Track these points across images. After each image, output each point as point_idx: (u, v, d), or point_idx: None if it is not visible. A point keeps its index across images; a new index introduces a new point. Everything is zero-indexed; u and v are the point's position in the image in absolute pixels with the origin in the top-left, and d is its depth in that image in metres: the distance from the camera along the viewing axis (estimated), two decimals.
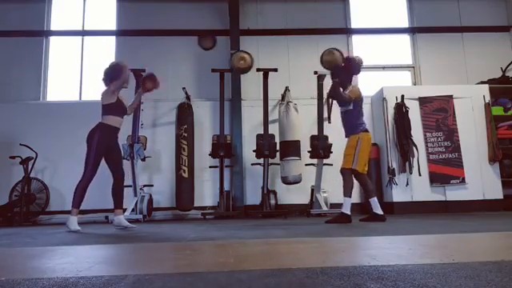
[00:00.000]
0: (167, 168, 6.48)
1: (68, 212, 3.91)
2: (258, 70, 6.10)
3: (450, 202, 5.91)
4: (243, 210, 6.36)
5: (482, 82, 6.63)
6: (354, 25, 7.42)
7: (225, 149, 5.94)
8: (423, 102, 6.19)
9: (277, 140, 5.96)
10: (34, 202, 6.04)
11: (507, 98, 6.54)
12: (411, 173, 5.93)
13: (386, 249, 1.97)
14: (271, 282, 1.22)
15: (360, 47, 7.35)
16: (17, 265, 1.80)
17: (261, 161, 5.92)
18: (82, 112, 6.37)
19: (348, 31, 7.35)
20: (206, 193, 6.56)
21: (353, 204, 4.26)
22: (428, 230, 3.11)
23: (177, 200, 6.04)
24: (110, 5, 7.31)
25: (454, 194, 5.93)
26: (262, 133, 5.88)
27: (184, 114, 6.22)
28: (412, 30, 7.46)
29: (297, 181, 5.89)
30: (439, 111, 6.15)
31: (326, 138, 5.81)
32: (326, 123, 6.32)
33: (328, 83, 4.49)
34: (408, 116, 6.05)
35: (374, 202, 4.20)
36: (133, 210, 5.48)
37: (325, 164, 5.75)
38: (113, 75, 3.95)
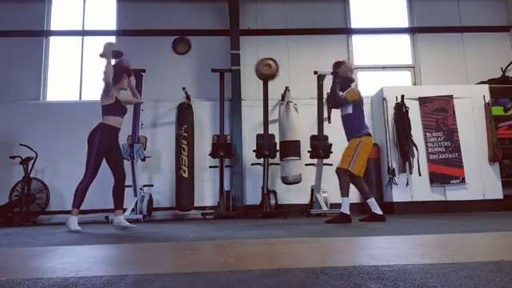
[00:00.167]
0: (167, 168, 6.48)
1: (68, 212, 3.92)
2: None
3: (450, 202, 5.91)
4: (243, 210, 6.36)
5: (482, 82, 6.63)
6: (353, 25, 7.41)
7: (225, 149, 5.95)
8: (423, 102, 6.19)
9: (277, 140, 5.96)
10: (34, 202, 6.04)
11: (507, 98, 6.55)
12: (411, 173, 5.93)
13: (385, 249, 1.97)
14: (271, 281, 1.22)
15: (360, 47, 7.36)
16: (17, 265, 1.80)
17: (261, 161, 5.92)
18: (81, 112, 6.38)
19: (348, 31, 7.34)
20: (206, 193, 6.56)
21: (352, 204, 4.27)
22: (428, 230, 3.11)
23: (177, 200, 6.05)
24: (109, 5, 7.31)
25: (454, 194, 5.93)
26: (262, 133, 5.88)
27: (184, 113, 6.22)
28: (412, 30, 7.45)
29: (297, 181, 5.89)
30: (439, 111, 6.15)
31: (326, 137, 5.81)
32: (326, 123, 6.31)
33: (328, 83, 4.49)
34: (408, 116, 6.05)
35: (372, 202, 4.20)
36: (133, 210, 5.48)
37: (325, 164, 5.74)
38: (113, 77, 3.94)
